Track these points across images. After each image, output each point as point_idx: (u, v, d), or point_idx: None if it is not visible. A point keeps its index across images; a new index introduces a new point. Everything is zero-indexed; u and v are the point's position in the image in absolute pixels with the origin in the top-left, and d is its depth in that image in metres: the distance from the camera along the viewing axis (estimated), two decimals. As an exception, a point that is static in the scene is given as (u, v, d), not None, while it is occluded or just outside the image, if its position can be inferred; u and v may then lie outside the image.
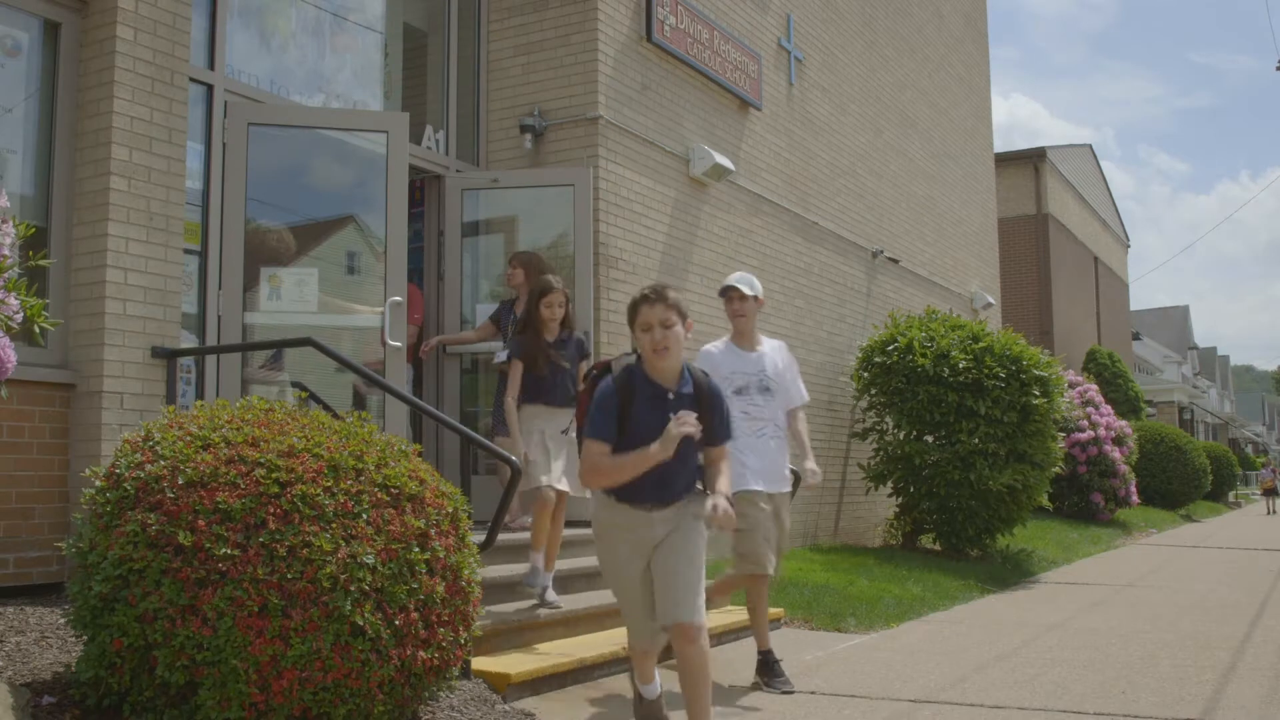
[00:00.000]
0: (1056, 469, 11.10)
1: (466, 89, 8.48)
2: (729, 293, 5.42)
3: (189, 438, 3.70)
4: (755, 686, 5.16)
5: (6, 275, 3.34)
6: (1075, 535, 14.18)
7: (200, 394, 6.06)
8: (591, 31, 8.05)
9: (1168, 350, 51.77)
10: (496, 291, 7.95)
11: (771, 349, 5.47)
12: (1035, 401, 10.15)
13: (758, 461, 5.26)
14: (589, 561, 6.34)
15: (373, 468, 3.76)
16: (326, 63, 7.60)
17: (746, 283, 5.41)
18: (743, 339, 5.42)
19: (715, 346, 5.46)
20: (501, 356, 7.24)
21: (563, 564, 6.23)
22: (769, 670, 5.19)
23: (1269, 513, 28.49)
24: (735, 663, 5.69)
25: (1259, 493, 36.17)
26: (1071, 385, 16.16)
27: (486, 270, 8.20)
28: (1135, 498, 17.06)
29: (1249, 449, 64.59)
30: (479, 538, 4.29)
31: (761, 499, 5.23)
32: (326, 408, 5.61)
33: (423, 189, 8.19)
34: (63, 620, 4.33)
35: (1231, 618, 7.41)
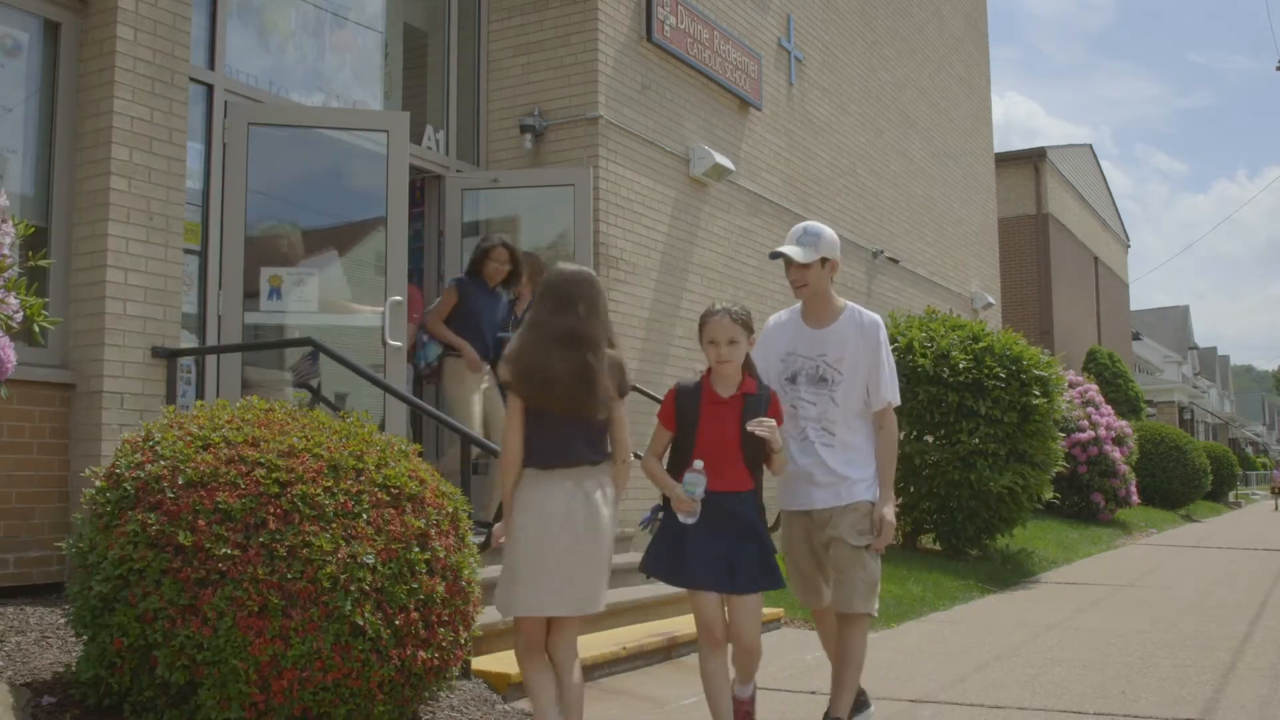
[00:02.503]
0: (1058, 468, 11.11)
1: (466, 89, 8.48)
2: (783, 260, 4.20)
3: (189, 438, 3.70)
4: None
5: (6, 275, 3.34)
6: (1075, 535, 14.18)
7: (200, 394, 6.06)
8: (591, 31, 8.05)
9: (1168, 350, 51.75)
10: (496, 291, 7.94)
11: (849, 325, 4.16)
12: (1035, 401, 10.15)
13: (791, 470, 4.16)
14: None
15: (373, 468, 3.76)
16: (326, 62, 7.60)
17: (806, 243, 4.14)
18: (809, 312, 4.25)
19: (779, 318, 4.39)
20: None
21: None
22: None
23: (1278, 509, 28.63)
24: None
25: (1270, 494, 36.24)
26: (1071, 385, 16.15)
27: (486, 270, 8.19)
28: (1135, 498, 17.05)
29: (1249, 449, 64.55)
30: (479, 538, 4.29)
31: (785, 518, 4.26)
32: (331, 407, 5.60)
33: (423, 189, 8.20)
34: (63, 620, 4.33)
35: (1231, 617, 7.40)
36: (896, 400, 4.19)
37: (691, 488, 3.74)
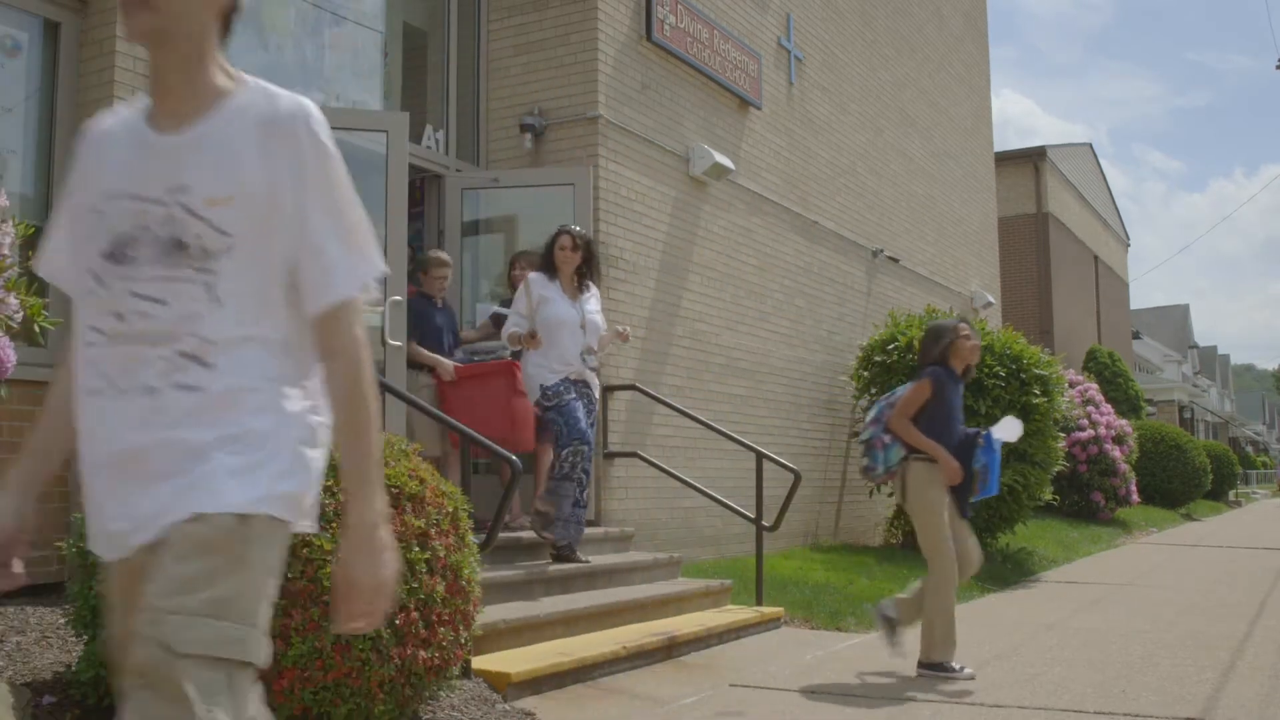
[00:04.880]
0: (1058, 467, 11.11)
1: (466, 89, 8.48)
2: None
3: (189, 437, 3.69)
4: None
5: (6, 275, 3.35)
6: (1075, 534, 14.18)
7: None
8: (591, 31, 8.05)
9: (1168, 349, 51.73)
10: (496, 291, 7.95)
11: (241, 123, 1.82)
12: (1035, 401, 10.15)
13: (92, 461, 1.93)
14: (589, 561, 6.34)
15: (373, 467, 3.76)
16: (325, 62, 7.61)
17: None
18: (161, 95, 1.83)
19: (105, 119, 1.92)
20: (505, 354, 7.23)
21: (566, 564, 6.23)
22: None
23: None
24: (737, 661, 5.69)
25: (1273, 493, 36.34)
26: (1072, 384, 16.14)
27: (486, 270, 8.20)
28: (1136, 497, 17.06)
29: (1249, 448, 64.55)
30: (480, 538, 4.28)
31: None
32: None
33: (423, 188, 8.20)
34: (63, 620, 4.33)
35: (1231, 617, 7.41)
36: (368, 291, 1.92)
37: None
